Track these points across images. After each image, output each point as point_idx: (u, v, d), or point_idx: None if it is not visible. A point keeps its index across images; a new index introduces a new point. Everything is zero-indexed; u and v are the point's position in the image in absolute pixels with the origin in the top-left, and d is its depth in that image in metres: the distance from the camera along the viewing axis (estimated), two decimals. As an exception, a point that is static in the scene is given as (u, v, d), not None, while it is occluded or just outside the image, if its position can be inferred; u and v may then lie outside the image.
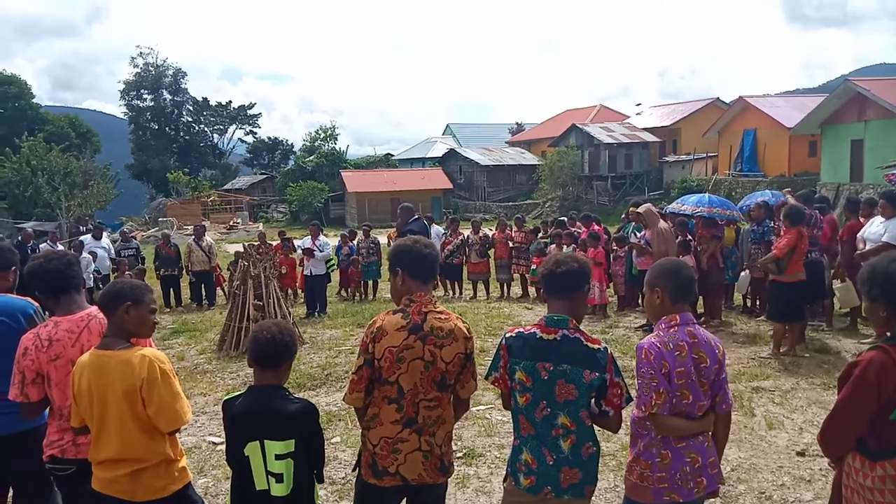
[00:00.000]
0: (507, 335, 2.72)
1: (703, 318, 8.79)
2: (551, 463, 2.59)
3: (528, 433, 2.65)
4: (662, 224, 8.41)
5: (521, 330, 2.70)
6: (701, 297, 8.86)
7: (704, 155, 34.82)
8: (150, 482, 2.64)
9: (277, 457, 2.54)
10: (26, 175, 37.65)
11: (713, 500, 3.45)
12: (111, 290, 2.76)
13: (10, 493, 3.21)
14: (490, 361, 2.79)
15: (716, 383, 2.65)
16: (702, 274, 8.75)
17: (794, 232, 6.91)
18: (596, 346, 2.62)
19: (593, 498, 4.03)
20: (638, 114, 45.59)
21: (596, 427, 2.70)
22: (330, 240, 13.10)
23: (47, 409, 2.95)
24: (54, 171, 37.09)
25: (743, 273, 9.00)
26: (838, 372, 2.49)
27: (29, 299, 3.16)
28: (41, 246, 11.64)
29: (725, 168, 32.98)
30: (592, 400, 2.63)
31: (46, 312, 3.18)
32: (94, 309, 2.98)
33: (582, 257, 2.90)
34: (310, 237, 11.67)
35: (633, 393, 2.68)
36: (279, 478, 2.55)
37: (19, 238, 11.67)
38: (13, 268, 3.27)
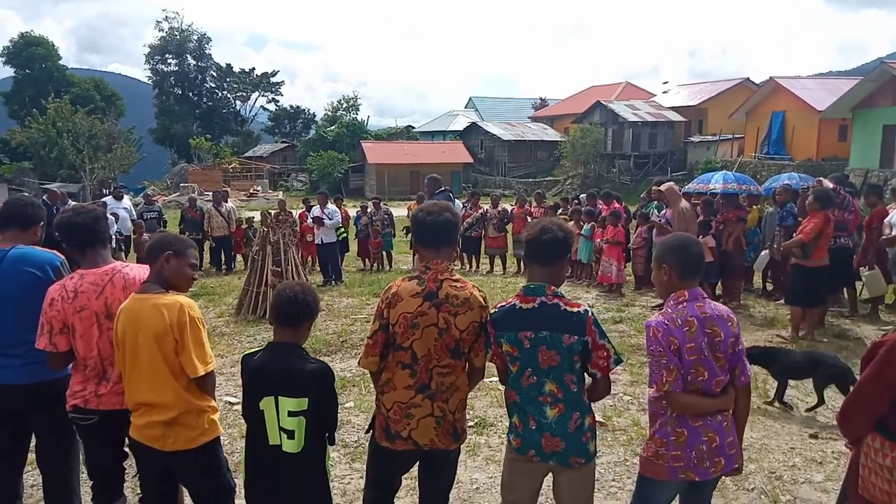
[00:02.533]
0: (491, 311, 2.74)
1: (721, 300, 8.73)
2: (534, 427, 2.64)
3: (513, 401, 2.71)
4: (684, 203, 8.32)
5: (503, 304, 2.72)
6: (720, 279, 8.80)
7: (731, 136, 34.21)
8: (181, 431, 2.72)
9: (290, 413, 2.59)
10: (52, 136, 38.14)
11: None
12: (156, 240, 2.90)
13: (34, 441, 3.30)
14: None
15: (733, 356, 2.63)
16: (723, 256, 8.68)
17: (821, 216, 6.79)
18: (575, 310, 2.60)
19: (601, 471, 4.11)
20: (664, 92, 44.78)
21: (595, 402, 2.72)
22: (350, 210, 13.17)
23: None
24: (79, 133, 37.51)
25: (763, 252, 8.90)
26: (856, 357, 2.47)
27: (56, 252, 3.22)
28: (69, 203, 11.82)
29: (752, 150, 32.37)
30: (578, 364, 2.61)
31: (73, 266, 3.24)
32: (118, 263, 3.04)
33: (567, 226, 2.82)
34: (318, 206, 11.74)
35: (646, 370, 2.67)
36: (291, 434, 2.61)
37: (44, 197, 11.84)
38: (41, 223, 3.33)
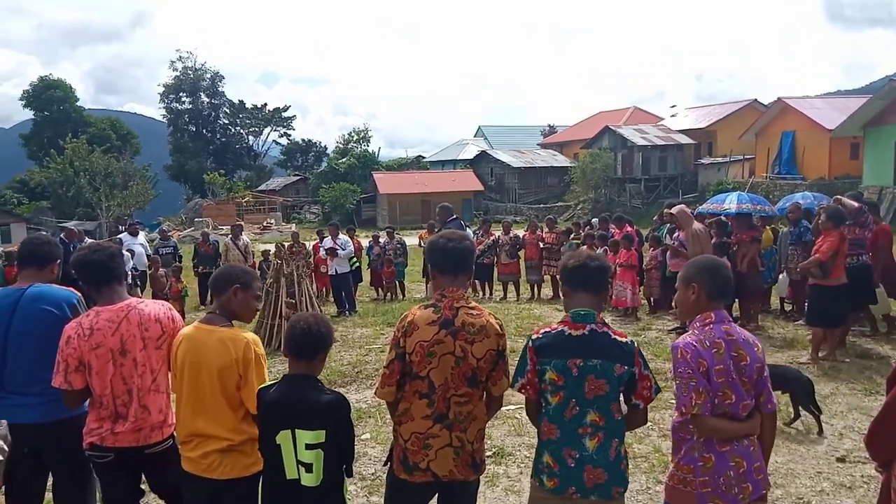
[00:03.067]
0: (533, 337, 2.65)
1: (738, 322, 8.61)
2: (573, 465, 2.54)
3: (548, 437, 2.59)
4: (697, 225, 8.28)
5: (548, 329, 2.64)
6: (737, 301, 8.70)
7: (741, 157, 34.14)
8: (238, 458, 2.76)
9: (308, 446, 2.57)
10: (69, 175, 38.88)
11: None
12: (224, 272, 2.99)
13: (51, 480, 3.29)
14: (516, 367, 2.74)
15: (759, 382, 2.58)
16: (739, 277, 8.59)
17: (836, 234, 6.73)
18: (623, 340, 2.59)
19: (626, 500, 4.01)
20: (672, 116, 44.91)
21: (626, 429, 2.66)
22: (362, 240, 13.23)
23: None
24: (96, 171, 38.21)
25: (781, 276, 8.82)
26: (880, 377, 2.43)
27: (72, 289, 3.25)
28: (86, 241, 11.97)
29: (763, 171, 32.28)
30: (621, 395, 2.59)
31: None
32: (133, 300, 3.05)
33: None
34: (330, 237, 11.82)
35: (671, 394, 2.63)
36: (309, 468, 2.58)
37: (62, 235, 12.00)
38: (57, 261, 3.36)
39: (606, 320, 2.67)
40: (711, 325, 2.59)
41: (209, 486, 2.79)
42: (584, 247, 10.58)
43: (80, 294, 3.24)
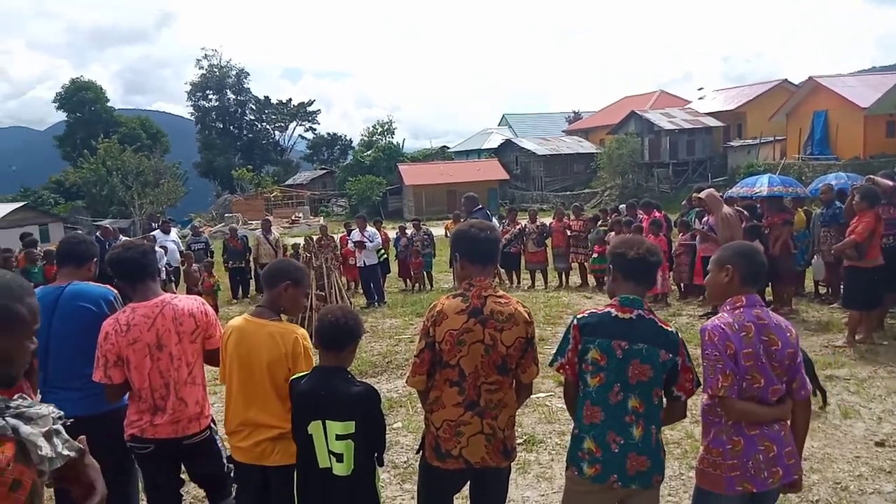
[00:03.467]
0: (579, 316, 2.65)
1: (771, 307, 8.48)
2: (616, 450, 2.53)
3: (592, 421, 2.57)
4: (727, 209, 8.15)
5: (595, 310, 2.64)
6: (770, 285, 8.55)
7: (772, 139, 33.42)
8: (288, 446, 2.83)
9: (338, 437, 2.61)
10: (102, 175, 39.73)
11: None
12: (277, 267, 3.05)
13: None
14: (555, 348, 2.74)
15: (791, 368, 2.55)
16: (771, 260, 8.44)
17: (871, 214, 6.58)
18: (669, 329, 2.59)
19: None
20: (700, 98, 44.10)
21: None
22: (389, 232, 13.31)
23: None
24: (128, 170, 38.99)
25: (816, 258, 8.65)
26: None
27: (109, 287, 3.33)
28: (121, 238, 12.25)
29: (794, 152, 31.55)
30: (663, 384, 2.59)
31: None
32: (168, 296, 3.13)
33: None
34: (357, 230, 11.89)
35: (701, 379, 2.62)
36: (339, 458, 2.63)
37: (98, 234, 12.29)
38: (94, 259, 3.45)
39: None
40: (742, 309, 2.57)
41: (261, 473, 2.89)
42: (612, 233, 10.50)
43: (116, 291, 3.32)
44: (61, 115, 58.77)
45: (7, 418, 1.46)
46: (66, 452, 1.57)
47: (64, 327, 3.15)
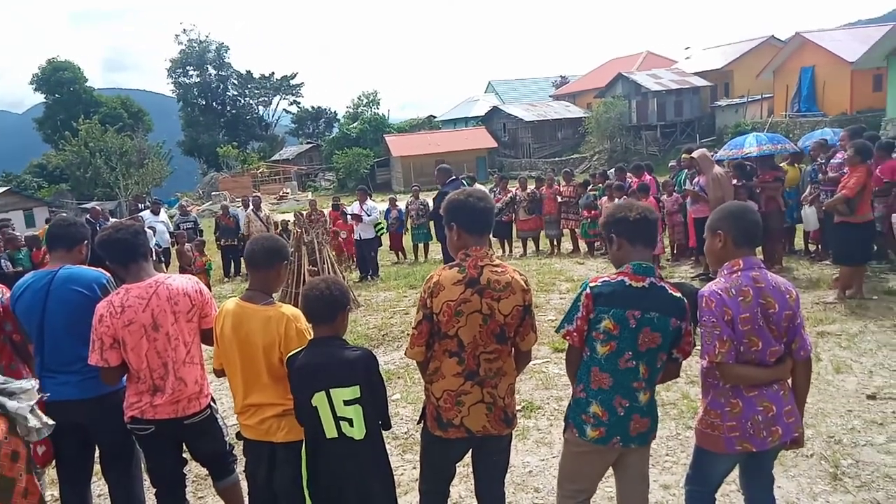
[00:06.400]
0: (592, 284, 2.62)
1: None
2: (622, 413, 2.57)
3: (600, 386, 2.59)
4: (718, 169, 8.13)
5: (607, 278, 2.62)
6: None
7: (759, 97, 33.34)
8: (293, 422, 2.83)
9: (346, 402, 2.63)
10: (85, 157, 39.17)
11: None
12: (270, 246, 2.94)
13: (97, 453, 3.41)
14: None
15: (790, 329, 2.56)
16: (761, 217, 8.49)
17: (863, 169, 6.59)
18: (677, 294, 2.60)
19: (654, 445, 4.06)
20: (687, 58, 43.80)
21: None
22: (378, 205, 13.22)
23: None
24: (111, 151, 38.46)
25: (807, 208, 8.64)
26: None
27: (101, 270, 3.30)
28: (110, 220, 12.14)
29: (782, 109, 31.49)
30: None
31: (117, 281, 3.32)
32: (161, 276, 3.10)
33: None
34: (357, 202, 11.82)
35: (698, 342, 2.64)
36: (350, 422, 2.64)
37: (87, 216, 12.16)
38: (85, 241, 3.41)
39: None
40: (739, 273, 2.57)
41: (269, 449, 2.92)
42: (605, 198, 10.49)
43: (109, 274, 3.29)
44: (39, 97, 57.65)
45: None
46: (51, 423, 1.64)
47: (57, 311, 3.13)
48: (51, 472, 3.52)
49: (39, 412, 1.56)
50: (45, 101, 56.62)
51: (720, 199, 7.45)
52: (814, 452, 3.94)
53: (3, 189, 39.44)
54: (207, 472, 3.47)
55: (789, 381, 2.64)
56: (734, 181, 8.35)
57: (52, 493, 3.88)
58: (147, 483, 3.34)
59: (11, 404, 1.53)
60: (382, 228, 12.38)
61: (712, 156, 8.91)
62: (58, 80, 54.51)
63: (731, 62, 37.46)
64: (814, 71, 30.11)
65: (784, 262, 8.79)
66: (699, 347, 2.61)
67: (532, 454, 4.25)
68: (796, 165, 9.48)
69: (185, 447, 3.27)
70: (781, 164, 9.29)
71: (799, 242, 9.81)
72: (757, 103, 33.53)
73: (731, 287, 2.53)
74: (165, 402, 3.00)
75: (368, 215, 11.50)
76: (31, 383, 1.56)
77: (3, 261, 9.33)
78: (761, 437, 2.55)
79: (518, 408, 4.70)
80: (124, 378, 3.10)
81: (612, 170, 13.04)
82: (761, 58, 34.69)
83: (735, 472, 2.88)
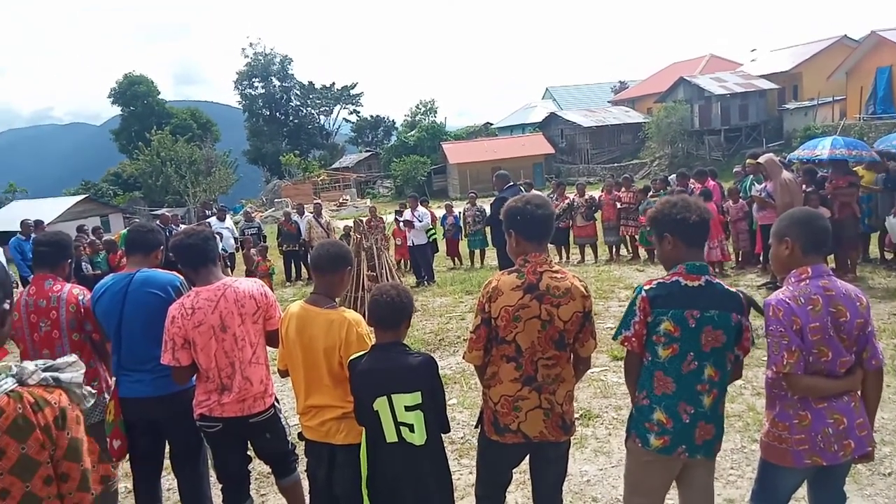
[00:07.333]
0: (645, 287, 2.58)
1: (834, 274, 8.17)
2: (687, 421, 2.51)
3: (664, 391, 2.54)
4: (786, 174, 7.84)
5: (661, 280, 2.58)
6: (833, 250, 8.25)
7: (830, 99, 31.89)
8: (353, 424, 2.89)
9: (407, 408, 2.66)
10: (157, 166, 40.99)
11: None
12: (335, 252, 3.02)
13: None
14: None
15: (861, 338, 2.46)
16: (834, 225, 8.14)
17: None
18: (734, 290, 2.56)
19: (720, 459, 3.95)
20: (753, 60, 42.33)
21: None
22: (435, 211, 13.32)
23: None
24: (181, 160, 40.12)
25: (891, 219, 8.23)
26: None
27: (175, 273, 3.46)
28: (180, 226, 12.67)
29: (855, 112, 30.06)
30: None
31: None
32: (228, 279, 3.22)
33: None
34: (409, 209, 11.95)
35: (762, 352, 2.56)
36: (411, 428, 2.67)
37: (157, 221, 12.74)
38: (161, 247, 3.59)
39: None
40: (808, 281, 2.48)
41: (329, 451, 2.99)
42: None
43: (182, 277, 3.44)
44: (116, 110, 60.70)
45: (42, 374, 1.64)
46: (93, 391, 1.78)
47: (134, 313, 3.29)
48: (124, 466, 3.70)
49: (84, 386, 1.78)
50: (121, 113, 59.59)
51: (788, 205, 7.18)
52: (892, 471, 3.75)
53: (82, 197, 41.58)
54: (270, 470, 3.58)
55: (859, 392, 2.53)
56: (804, 187, 8.04)
57: (125, 485, 4.07)
58: (213, 479, 3.48)
59: (65, 376, 1.70)
60: (434, 234, 12.47)
61: (781, 159, 8.60)
62: (133, 93, 57.30)
63: (800, 63, 36.00)
64: (891, 71, 28.64)
65: (858, 270, 8.39)
66: (766, 358, 2.54)
67: (590, 463, 4.19)
68: (871, 170, 9.04)
69: (249, 445, 3.38)
70: (855, 168, 8.88)
71: (874, 250, 9.34)
72: (828, 106, 32.09)
73: (799, 295, 2.45)
74: (232, 400, 3.11)
75: (420, 221, 11.61)
76: (73, 356, 1.72)
77: (83, 264, 9.89)
78: (832, 451, 2.45)
79: (576, 416, 4.66)
80: (194, 377, 3.23)
81: (674, 175, 12.75)
82: (833, 58, 33.22)
83: (803, 489, 2.77)
